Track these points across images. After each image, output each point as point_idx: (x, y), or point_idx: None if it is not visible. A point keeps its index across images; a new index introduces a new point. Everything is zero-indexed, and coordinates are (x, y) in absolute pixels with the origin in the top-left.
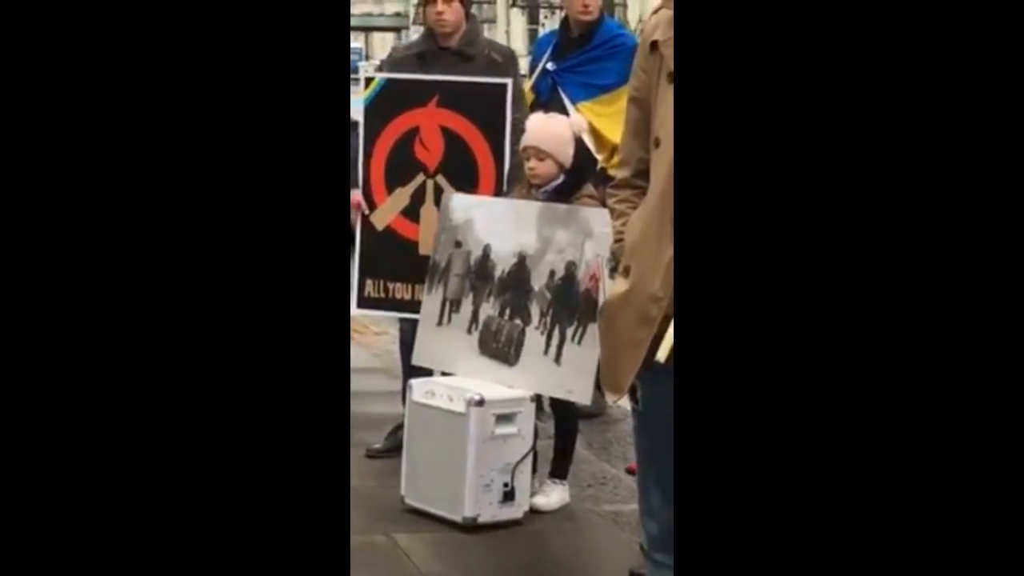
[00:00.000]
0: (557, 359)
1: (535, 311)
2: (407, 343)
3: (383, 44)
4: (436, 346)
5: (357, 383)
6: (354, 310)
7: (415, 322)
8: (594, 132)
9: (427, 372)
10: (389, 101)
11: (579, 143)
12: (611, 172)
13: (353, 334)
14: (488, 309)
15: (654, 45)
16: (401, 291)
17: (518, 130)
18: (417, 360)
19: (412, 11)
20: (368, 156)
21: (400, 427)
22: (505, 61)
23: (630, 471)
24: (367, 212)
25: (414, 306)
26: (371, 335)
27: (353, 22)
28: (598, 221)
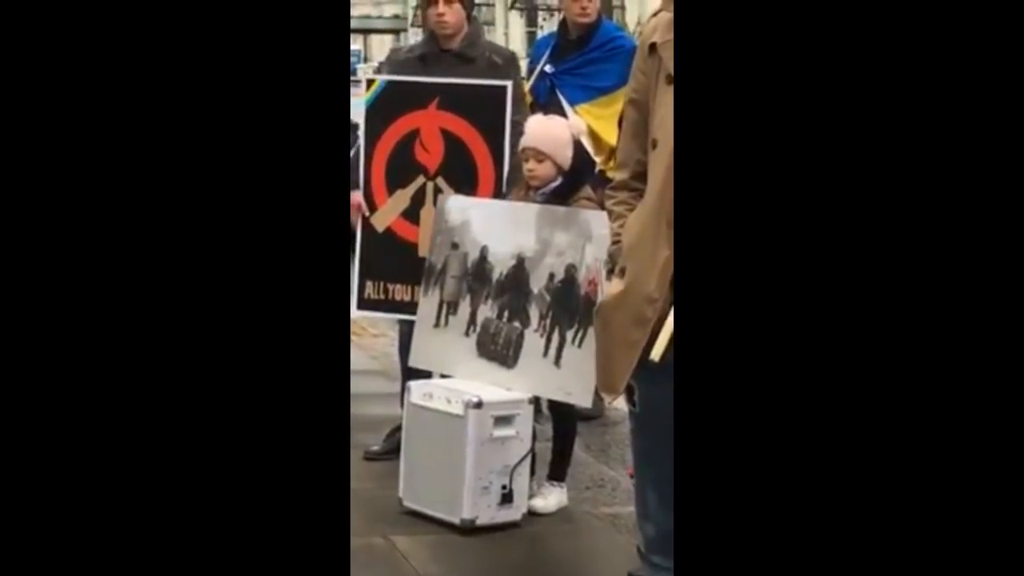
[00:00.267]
0: (557, 361)
1: (534, 313)
2: (406, 346)
3: (381, 46)
4: (433, 348)
5: (355, 385)
6: (354, 312)
7: (414, 324)
8: (592, 134)
9: (426, 374)
10: (390, 103)
11: (578, 145)
12: (609, 174)
13: (352, 336)
14: (486, 311)
15: (653, 47)
16: (401, 293)
17: (518, 132)
18: (414, 362)
19: (411, 13)
20: (369, 158)
21: (398, 429)
22: (506, 63)
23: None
24: (368, 214)
25: (414, 308)
26: (369, 337)
27: (352, 24)
28: (598, 224)
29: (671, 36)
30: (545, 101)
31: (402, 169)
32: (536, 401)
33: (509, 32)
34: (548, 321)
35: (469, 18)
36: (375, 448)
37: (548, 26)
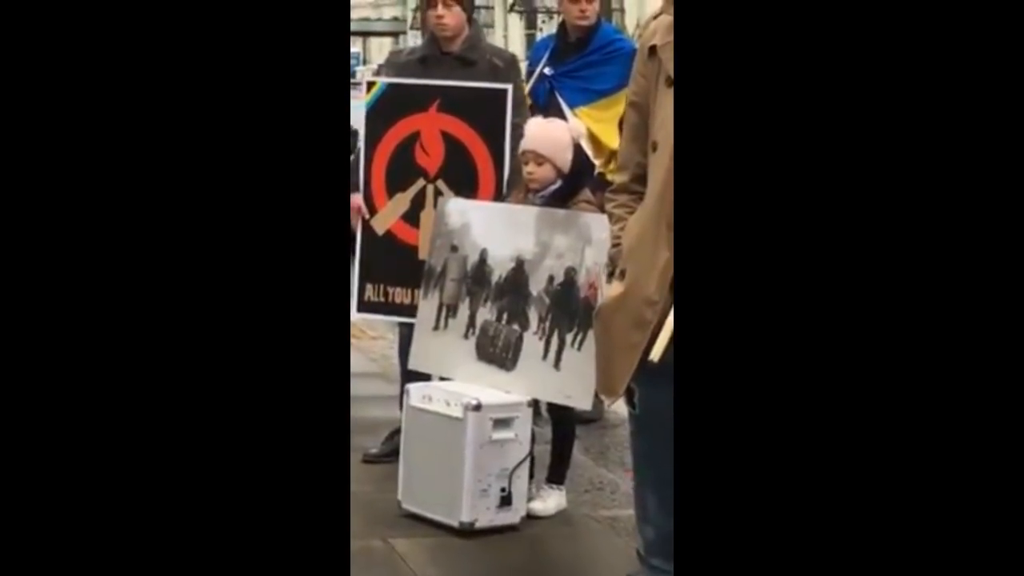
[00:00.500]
0: (556, 364)
1: (533, 316)
2: (406, 349)
3: (380, 48)
4: (433, 351)
5: (354, 387)
6: (353, 314)
7: (413, 327)
8: (592, 137)
9: (425, 377)
10: (391, 105)
11: (577, 148)
12: (609, 177)
13: (352, 340)
14: (485, 314)
15: (653, 50)
16: (401, 296)
17: (518, 135)
18: (413, 365)
19: (410, 16)
20: (369, 160)
21: (397, 432)
22: (507, 66)
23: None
24: (367, 216)
25: (413, 311)
26: (368, 340)
27: (351, 27)
28: (598, 227)
29: (671, 39)
30: (544, 104)
31: (402, 172)
32: (535, 404)
33: (508, 34)
34: (547, 324)
35: (470, 20)
36: (374, 451)
37: (547, 28)
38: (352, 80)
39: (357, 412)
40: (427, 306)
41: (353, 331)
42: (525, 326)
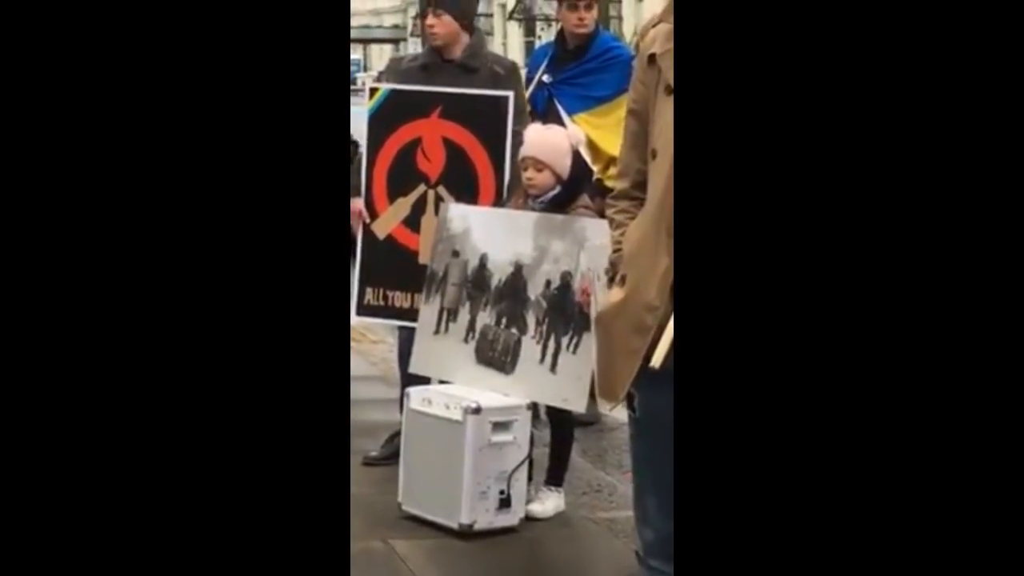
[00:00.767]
0: (553, 368)
1: (531, 320)
2: (405, 352)
3: (381, 55)
4: (433, 354)
5: (355, 391)
6: (353, 318)
7: (412, 331)
8: (590, 144)
9: (425, 380)
10: (393, 111)
11: (576, 154)
12: (607, 183)
13: (352, 342)
14: (485, 318)
15: (652, 58)
16: (400, 300)
17: (519, 142)
18: (414, 368)
19: (410, 23)
20: (371, 165)
21: (397, 434)
22: (507, 74)
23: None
24: (368, 221)
25: (413, 315)
26: (368, 343)
27: (352, 34)
28: (593, 232)
29: (671, 46)
30: (543, 110)
31: (404, 177)
32: (534, 407)
33: (507, 41)
34: (544, 327)
35: (471, 29)
36: (374, 453)
37: (546, 36)
38: (353, 86)
39: (358, 415)
40: (428, 310)
41: (354, 335)
42: (523, 330)
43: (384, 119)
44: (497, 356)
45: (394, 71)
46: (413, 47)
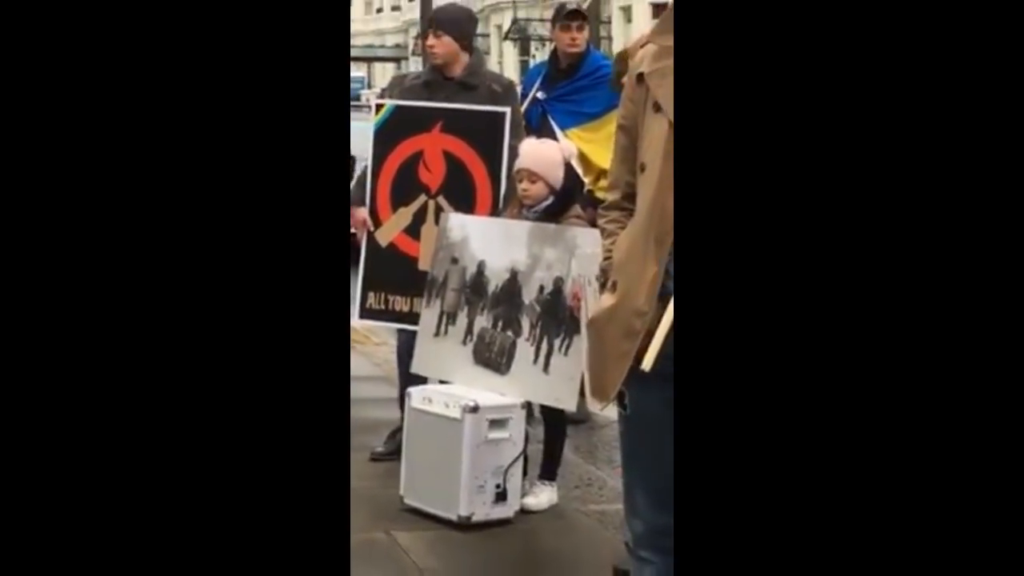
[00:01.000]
0: (546, 369)
1: (525, 323)
2: (404, 353)
3: (384, 73)
4: (433, 356)
5: (359, 390)
6: (356, 320)
7: (411, 333)
8: (581, 157)
9: (422, 380)
10: (397, 126)
11: (568, 167)
12: (598, 195)
13: (355, 344)
14: (482, 321)
15: (641, 77)
16: (400, 304)
17: (515, 155)
18: (416, 369)
19: (411, 43)
20: (375, 176)
21: (399, 430)
22: (505, 91)
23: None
24: (372, 229)
25: (412, 318)
26: (372, 345)
27: (356, 52)
28: (584, 240)
29: (659, 66)
30: (537, 126)
31: (406, 188)
32: (528, 405)
33: (503, 60)
34: (538, 330)
35: (470, 49)
36: (380, 449)
37: (540, 55)
38: (357, 102)
39: (362, 413)
40: (429, 314)
41: (358, 337)
42: (518, 333)
43: (389, 133)
44: (493, 357)
45: (398, 88)
46: (415, 65)
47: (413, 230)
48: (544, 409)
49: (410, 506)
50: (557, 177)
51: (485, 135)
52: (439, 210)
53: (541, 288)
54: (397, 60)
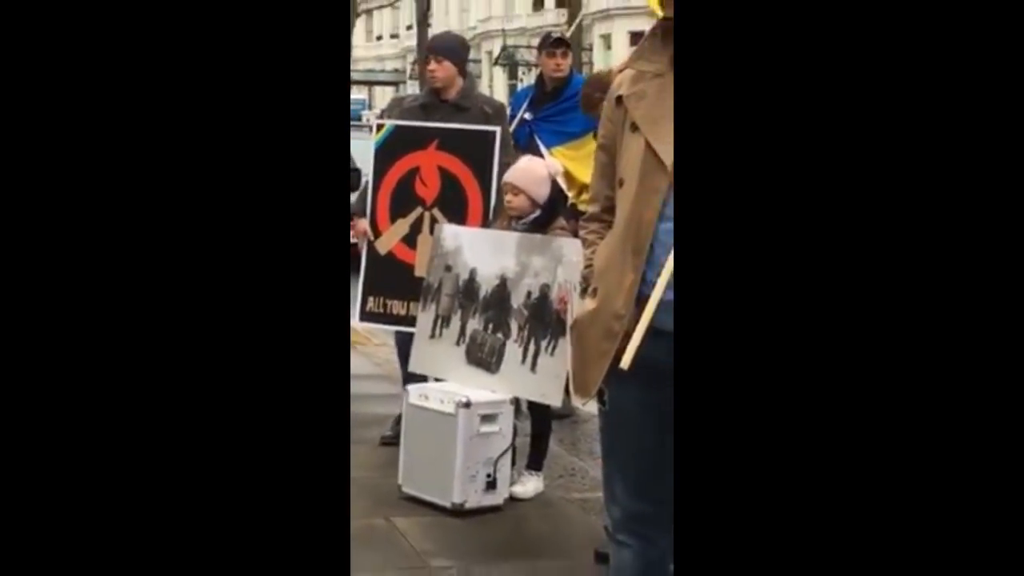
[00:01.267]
0: (533, 368)
1: (514, 326)
2: (404, 353)
3: (383, 95)
4: (429, 356)
5: (361, 387)
6: (358, 323)
7: (407, 334)
8: (565, 173)
9: (424, 378)
10: (396, 144)
11: (553, 182)
12: (580, 207)
13: (357, 345)
14: (474, 324)
15: (619, 99)
16: (397, 307)
17: (504, 171)
18: (413, 368)
19: (408, 68)
20: (376, 190)
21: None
22: (495, 113)
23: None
24: (372, 239)
25: (408, 320)
26: (372, 346)
27: (358, 76)
28: (569, 250)
29: (635, 89)
30: (524, 144)
31: (403, 201)
32: (516, 401)
33: (493, 84)
34: (526, 333)
35: (464, 74)
36: (388, 434)
37: (527, 79)
38: (359, 123)
39: (364, 408)
40: (425, 317)
41: (360, 339)
42: (507, 334)
43: (388, 151)
44: (484, 357)
45: (396, 109)
46: (412, 88)
47: (410, 240)
48: (531, 405)
49: (408, 494)
50: (538, 191)
51: (477, 152)
52: (434, 221)
53: (528, 294)
54: (396, 84)
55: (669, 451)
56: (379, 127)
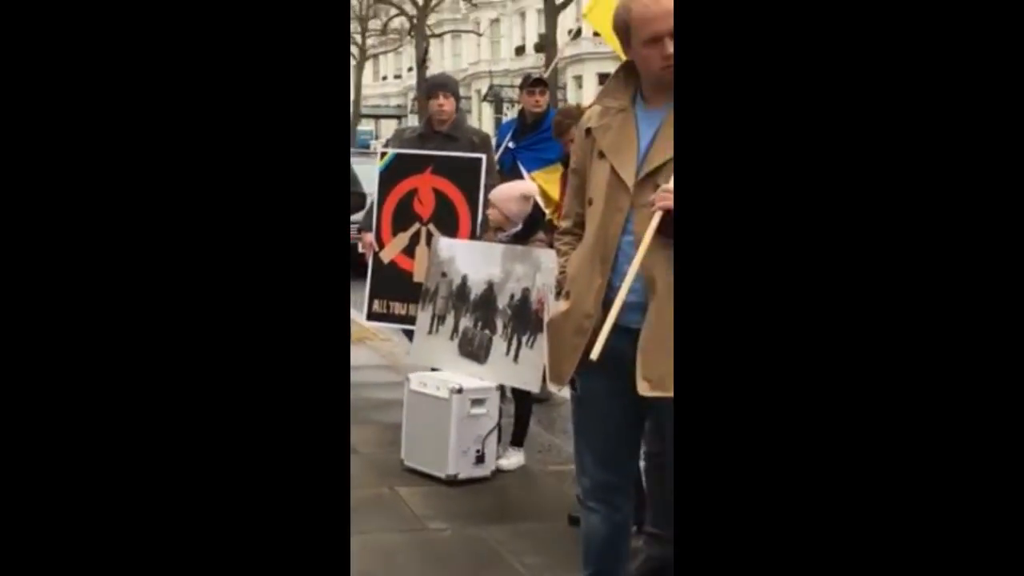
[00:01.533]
0: (516, 359)
1: (500, 324)
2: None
3: (388, 127)
4: (427, 349)
5: (367, 376)
6: (365, 322)
7: (408, 331)
8: (543, 193)
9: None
10: (396, 169)
11: (534, 202)
12: (556, 223)
13: (365, 340)
14: (465, 322)
15: (588, 131)
16: (399, 308)
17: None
18: (413, 360)
19: (409, 103)
20: (380, 208)
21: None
22: (481, 142)
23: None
24: (377, 250)
25: (409, 319)
26: (379, 341)
27: (366, 111)
28: (546, 259)
29: (603, 122)
30: (508, 170)
31: (403, 217)
32: (501, 388)
33: (481, 118)
34: (509, 329)
35: (456, 108)
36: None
37: (510, 113)
38: (368, 151)
39: (371, 393)
40: (423, 316)
41: (367, 334)
42: (494, 331)
43: (390, 175)
44: (474, 350)
45: (398, 139)
46: (412, 120)
47: (409, 251)
48: (514, 390)
49: (409, 467)
50: (510, 208)
51: (466, 176)
52: (430, 235)
53: (512, 296)
54: (398, 117)
55: (631, 430)
56: (383, 155)
